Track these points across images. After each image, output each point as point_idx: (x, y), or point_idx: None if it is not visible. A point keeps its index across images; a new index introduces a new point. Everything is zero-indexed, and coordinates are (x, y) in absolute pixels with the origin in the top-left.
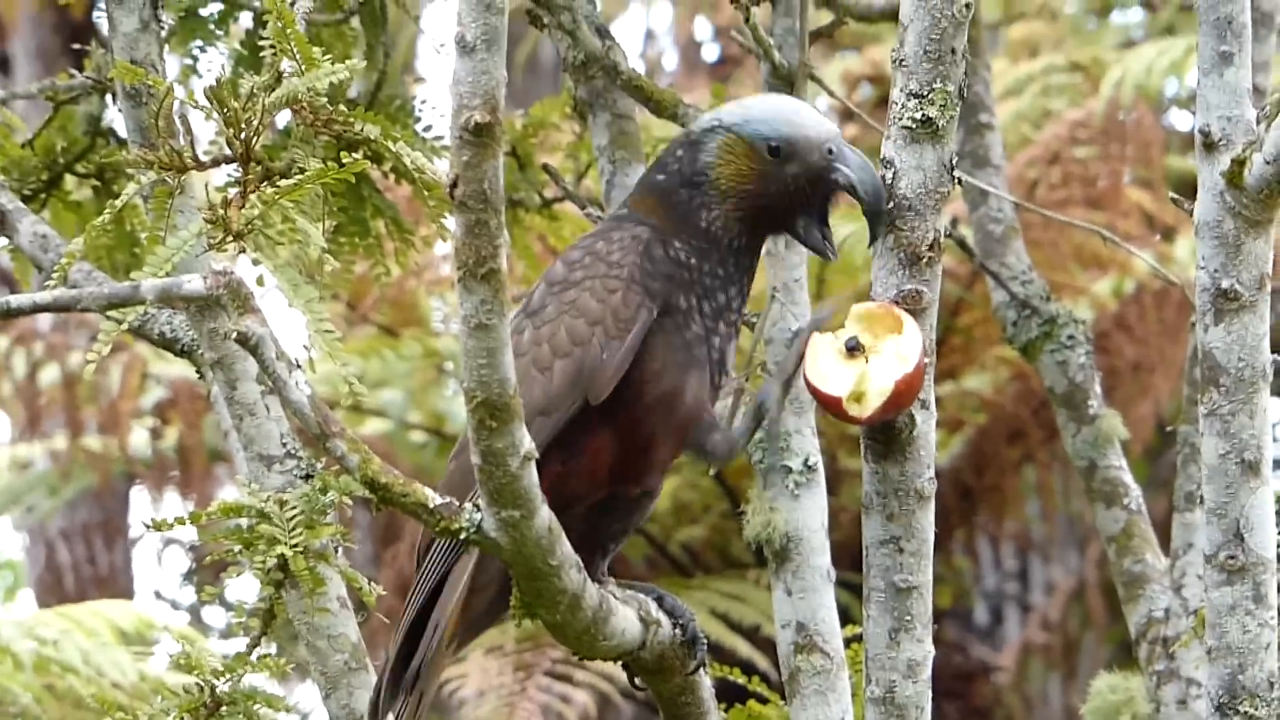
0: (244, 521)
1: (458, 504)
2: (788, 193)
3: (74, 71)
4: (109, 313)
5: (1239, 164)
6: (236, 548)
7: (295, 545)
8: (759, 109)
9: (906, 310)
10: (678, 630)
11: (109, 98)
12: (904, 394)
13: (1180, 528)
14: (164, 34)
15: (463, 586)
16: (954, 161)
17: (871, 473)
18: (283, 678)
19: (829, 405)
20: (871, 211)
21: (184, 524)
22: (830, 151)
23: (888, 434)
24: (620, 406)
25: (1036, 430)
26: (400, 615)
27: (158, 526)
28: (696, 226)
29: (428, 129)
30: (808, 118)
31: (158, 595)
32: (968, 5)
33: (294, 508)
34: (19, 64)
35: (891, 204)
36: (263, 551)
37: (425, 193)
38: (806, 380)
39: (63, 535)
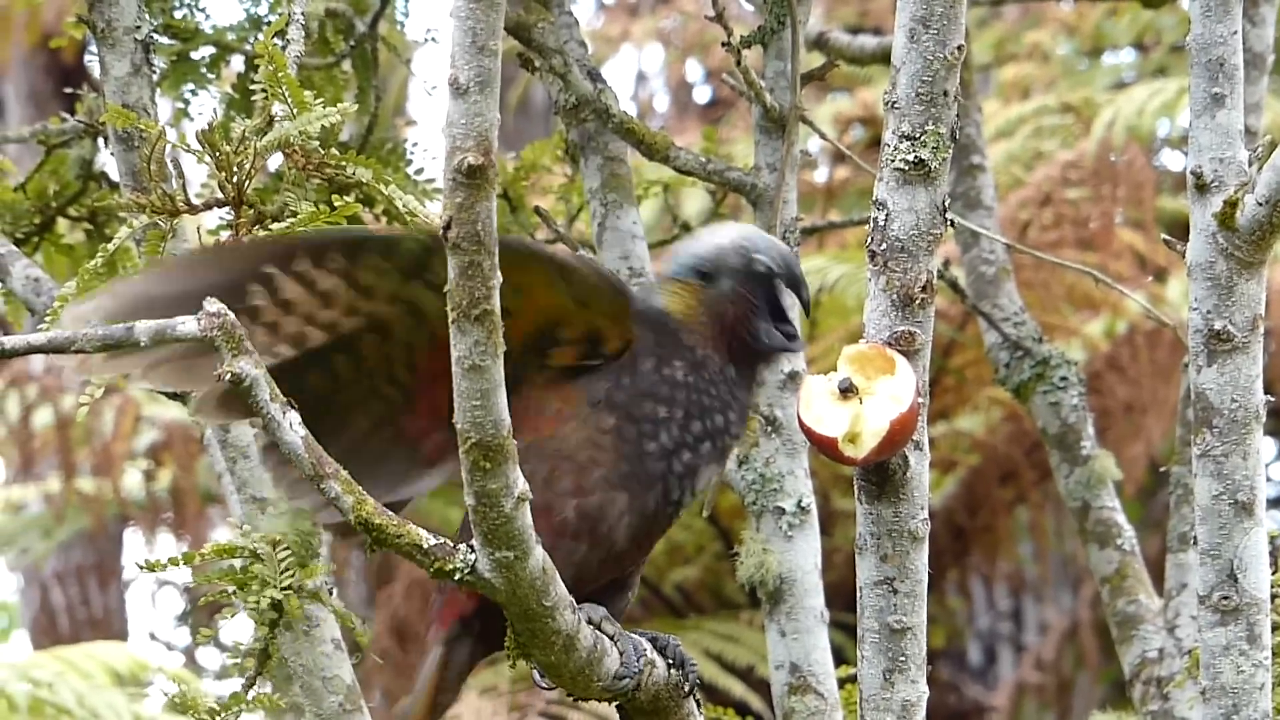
0: (237, 563)
1: (451, 545)
2: (732, 308)
3: (66, 115)
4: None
5: (1231, 205)
6: (230, 589)
7: (288, 587)
8: (680, 249)
9: (900, 351)
10: (672, 670)
11: (101, 141)
12: (898, 434)
13: (1174, 568)
14: (156, 78)
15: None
16: (946, 203)
17: (865, 514)
18: (277, 719)
19: (824, 446)
20: (789, 284)
21: (177, 565)
22: (744, 248)
23: (881, 475)
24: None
25: (1029, 471)
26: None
27: (151, 568)
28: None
29: (419, 172)
30: (721, 232)
31: (152, 637)
32: (960, 48)
33: (286, 549)
34: (11, 107)
35: (884, 245)
36: (256, 593)
37: None
38: (801, 422)
39: (57, 577)
